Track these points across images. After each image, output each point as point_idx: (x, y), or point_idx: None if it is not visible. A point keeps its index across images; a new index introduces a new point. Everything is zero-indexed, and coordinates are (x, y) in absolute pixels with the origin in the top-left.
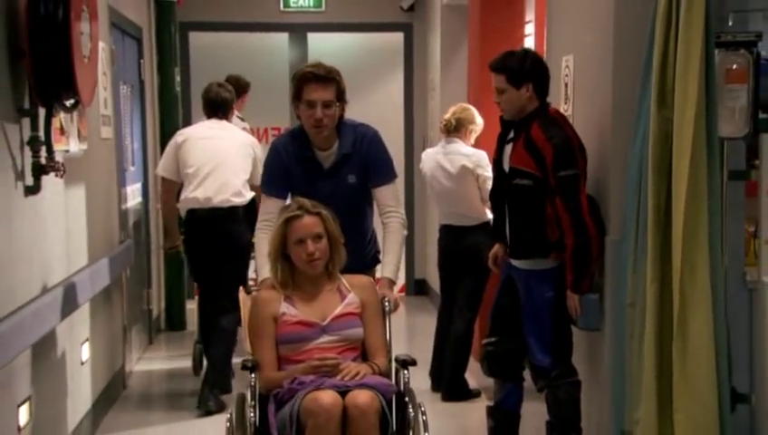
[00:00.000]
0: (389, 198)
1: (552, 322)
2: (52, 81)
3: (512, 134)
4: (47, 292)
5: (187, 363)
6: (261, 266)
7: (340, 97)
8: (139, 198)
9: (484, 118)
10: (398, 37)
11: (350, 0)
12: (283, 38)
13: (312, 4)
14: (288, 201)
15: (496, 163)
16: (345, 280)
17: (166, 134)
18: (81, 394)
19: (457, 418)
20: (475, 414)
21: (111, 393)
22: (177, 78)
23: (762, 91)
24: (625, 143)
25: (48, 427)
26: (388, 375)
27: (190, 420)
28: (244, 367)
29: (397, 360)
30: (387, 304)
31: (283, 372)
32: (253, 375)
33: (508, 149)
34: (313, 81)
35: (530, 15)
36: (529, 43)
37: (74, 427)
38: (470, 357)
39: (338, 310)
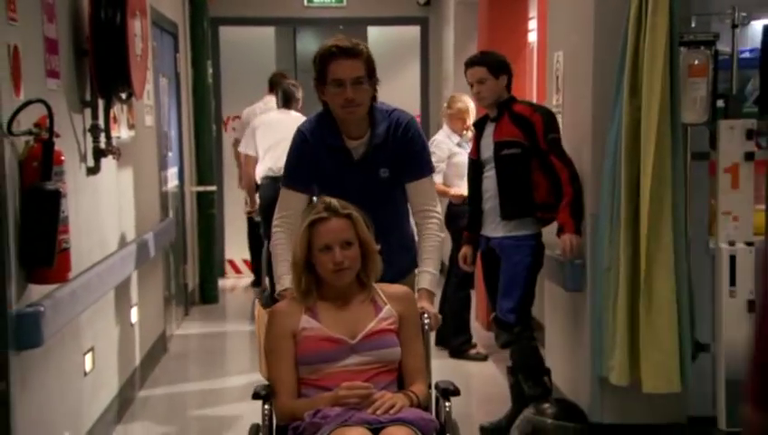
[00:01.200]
0: (425, 194)
1: (525, 285)
2: (110, 76)
3: (493, 114)
4: (105, 259)
5: (219, 329)
6: (279, 275)
7: (371, 73)
8: (176, 181)
9: None
10: (416, 30)
11: None
12: (305, 31)
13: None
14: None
15: (474, 159)
16: (380, 290)
17: (199, 122)
18: (131, 351)
19: (461, 373)
20: (477, 367)
21: (155, 354)
22: (210, 70)
23: (719, 83)
24: (603, 129)
25: (106, 376)
26: (427, 406)
27: (222, 378)
28: (255, 395)
29: (437, 387)
30: (426, 320)
31: (303, 401)
32: (267, 406)
33: (486, 139)
34: (339, 55)
35: (533, 12)
36: (532, 38)
37: (126, 379)
38: (470, 319)
39: (371, 325)
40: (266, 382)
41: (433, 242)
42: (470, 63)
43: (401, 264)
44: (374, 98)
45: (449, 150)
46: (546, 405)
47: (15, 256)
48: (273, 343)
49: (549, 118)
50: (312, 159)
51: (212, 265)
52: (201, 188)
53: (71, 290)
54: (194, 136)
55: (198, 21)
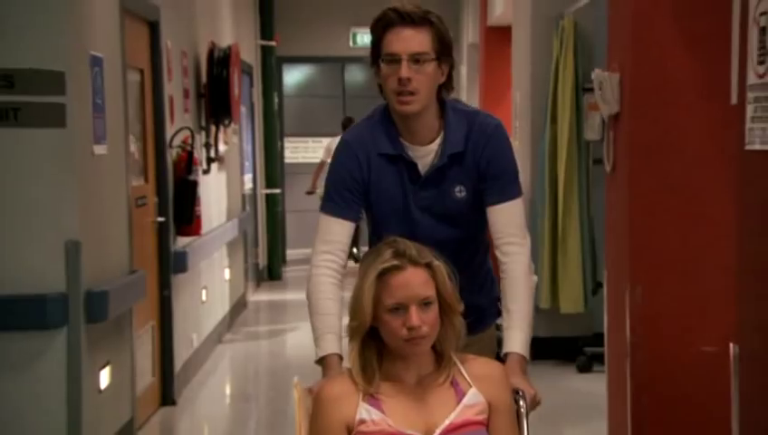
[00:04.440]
0: (510, 221)
1: None
2: (219, 110)
3: None
4: (211, 231)
5: (282, 298)
6: (321, 333)
7: (442, 51)
8: (251, 185)
9: None
10: None
11: None
12: (351, 66)
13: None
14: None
15: None
16: (462, 366)
17: (269, 140)
18: (224, 299)
19: None
20: None
21: (238, 307)
22: (276, 100)
23: None
24: (537, 143)
25: (212, 309)
26: None
27: (284, 326)
28: None
29: None
30: (521, 401)
31: None
32: None
33: None
34: (398, 23)
35: None
36: None
37: (221, 319)
38: None
39: (453, 415)
40: None
41: (524, 287)
42: None
43: (480, 312)
44: (446, 89)
45: None
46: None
47: (172, 219)
48: None
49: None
50: (361, 176)
51: (276, 250)
52: (269, 191)
53: (201, 242)
54: (264, 150)
55: (268, 62)
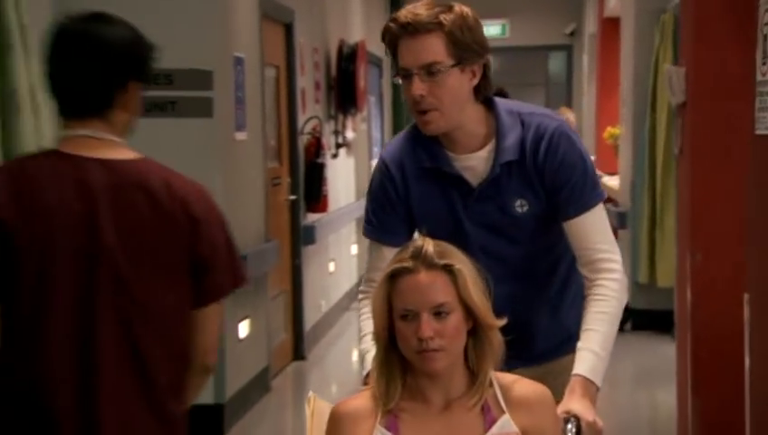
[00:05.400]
0: (597, 233)
1: None
2: (346, 101)
3: None
4: (339, 209)
5: None
6: (363, 353)
7: (463, 54)
8: None
9: (599, 112)
10: (564, 55)
11: (527, 27)
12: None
13: (499, 32)
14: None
15: None
16: (500, 387)
17: (396, 128)
18: (352, 272)
19: None
20: None
21: (352, 295)
22: None
23: None
24: (638, 129)
25: (339, 280)
26: None
27: None
28: None
29: None
30: (569, 425)
31: None
32: None
33: None
34: (403, 35)
35: None
36: None
37: (348, 289)
38: None
39: None
40: None
41: (605, 307)
42: None
43: (559, 339)
44: (483, 90)
45: None
46: None
47: (303, 197)
48: None
49: None
50: (398, 196)
51: None
52: None
53: (328, 219)
54: (391, 137)
55: None
